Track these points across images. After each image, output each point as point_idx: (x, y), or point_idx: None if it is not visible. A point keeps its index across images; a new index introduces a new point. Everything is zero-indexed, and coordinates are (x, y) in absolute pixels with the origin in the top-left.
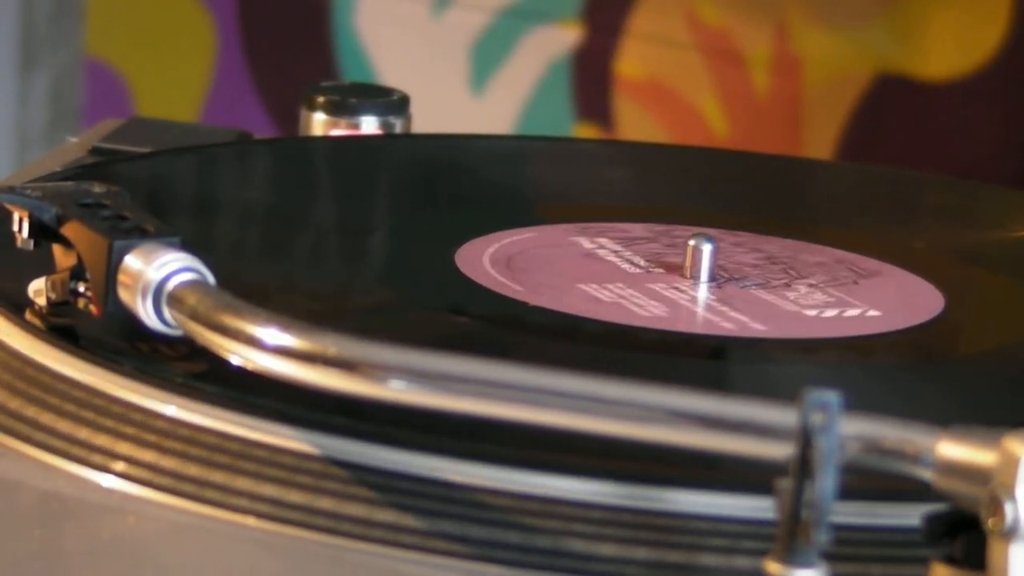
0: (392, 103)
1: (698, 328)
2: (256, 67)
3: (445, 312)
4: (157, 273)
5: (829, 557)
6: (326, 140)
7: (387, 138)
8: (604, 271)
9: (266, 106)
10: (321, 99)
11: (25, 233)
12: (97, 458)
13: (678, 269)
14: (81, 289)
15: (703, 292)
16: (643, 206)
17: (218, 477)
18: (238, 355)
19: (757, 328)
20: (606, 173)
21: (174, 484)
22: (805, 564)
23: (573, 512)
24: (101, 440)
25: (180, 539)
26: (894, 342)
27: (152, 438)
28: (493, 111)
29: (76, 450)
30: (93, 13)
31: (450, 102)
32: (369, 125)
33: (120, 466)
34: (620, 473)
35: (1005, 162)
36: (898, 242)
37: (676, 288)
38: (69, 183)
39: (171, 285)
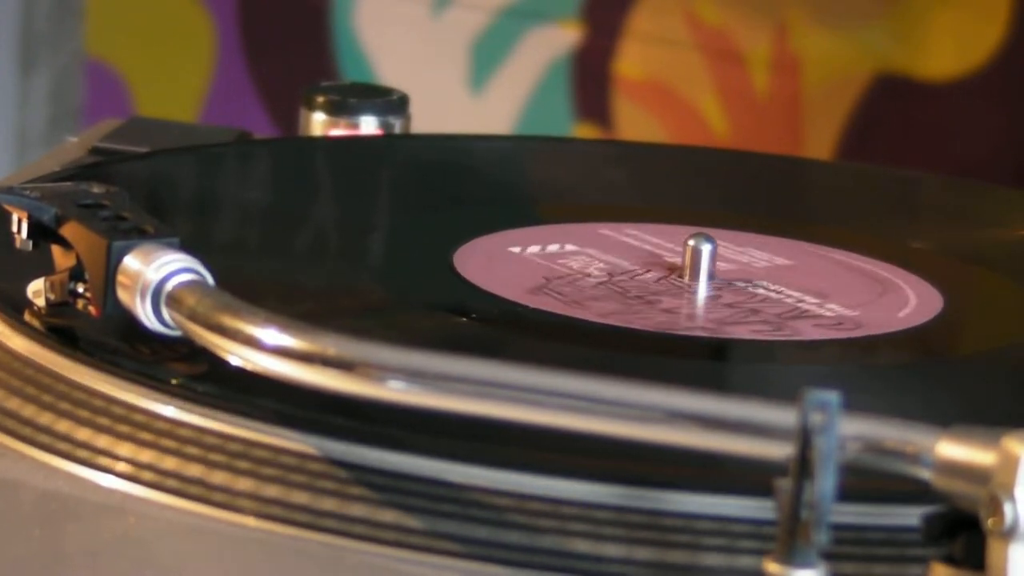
0: (392, 103)
1: (698, 329)
2: (256, 67)
3: (444, 312)
4: (156, 274)
5: (829, 557)
6: (326, 140)
7: (386, 138)
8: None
9: (266, 106)
10: (321, 99)
11: (24, 234)
12: (97, 458)
13: (677, 269)
14: (80, 290)
15: (702, 292)
16: (643, 206)
17: (217, 477)
18: (237, 355)
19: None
20: (606, 173)
21: (173, 484)
22: (805, 564)
23: (572, 512)
24: (101, 440)
25: (180, 539)
26: (894, 342)
27: (151, 438)
28: (493, 111)
29: (76, 450)
30: (93, 13)
31: (450, 102)
32: (368, 125)
33: (120, 466)
34: (620, 473)
35: (1005, 162)
36: (898, 242)
37: (676, 288)
38: (68, 183)
39: (170, 286)
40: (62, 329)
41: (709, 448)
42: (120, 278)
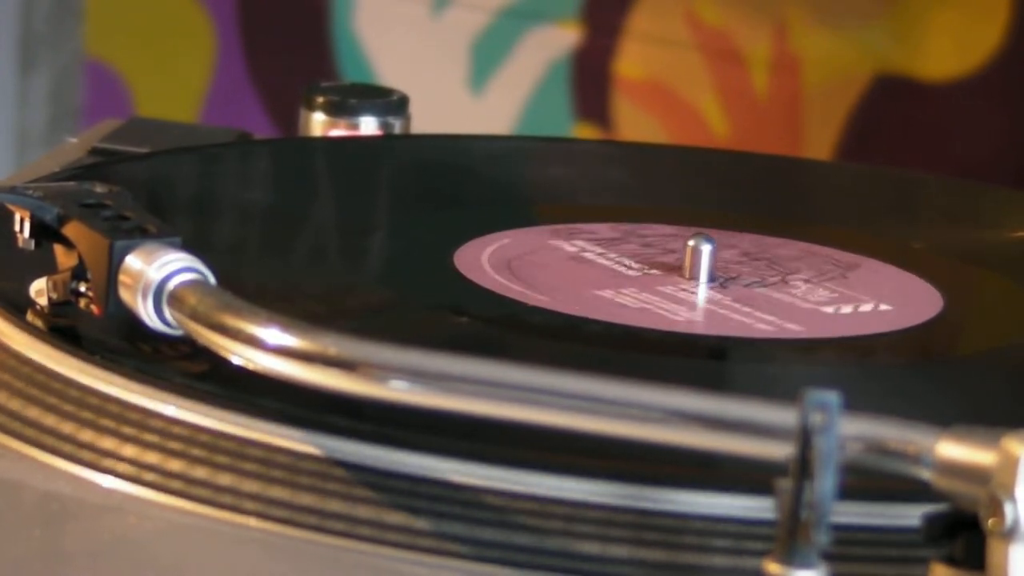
0: (391, 103)
1: (698, 329)
2: (256, 67)
3: (445, 312)
4: (158, 273)
5: (829, 557)
6: (325, 140)
7: (386, 138)
8: (605, 273)
9: (266, 106)
10: (320, 99)
11: (26, 233)
12: (97, 458)
13: (677, 270)
14: (82, 289)
15: (702, 292)
16: (642, 206)
17: (218, 477)
18: (239, 355)
19: (758, 328)
20: (605, 173)
21: (174, 484)
22: (805, 564)
23: (572, 512)
24: (102, 440)
25: (181, 539)
26: (894, 342)
27: (152, 438)
28: (493, 111)
29: (76, 450)
30: (92, 13)
31: (450, 102)
32: (368, 125)
33: (120, 466)
34: (620, 473)
35: (1005, 163)
36: (898, 242)
37: (676, 288)
38: (70, 183)
39: (172, 285)
40: (64, 329)
41: (709, 448)
42: (122, 277)
